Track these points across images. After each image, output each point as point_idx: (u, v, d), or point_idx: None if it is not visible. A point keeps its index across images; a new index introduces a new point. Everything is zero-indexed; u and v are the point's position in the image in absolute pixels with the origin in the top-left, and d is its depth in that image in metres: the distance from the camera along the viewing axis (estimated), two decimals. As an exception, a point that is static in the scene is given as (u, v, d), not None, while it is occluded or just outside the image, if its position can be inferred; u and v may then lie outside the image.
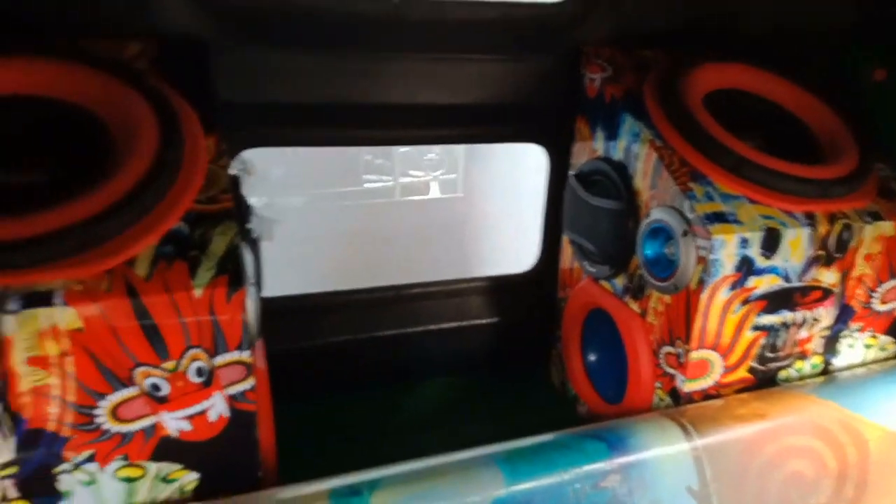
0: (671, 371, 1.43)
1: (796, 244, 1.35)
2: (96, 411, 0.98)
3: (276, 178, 3.86)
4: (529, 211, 2.00)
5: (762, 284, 1.36)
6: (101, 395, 0.97)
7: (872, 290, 1.50)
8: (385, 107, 1.64)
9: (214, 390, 1.03)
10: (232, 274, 0.99)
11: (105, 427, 0.99)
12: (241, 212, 1.24)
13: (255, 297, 1.10)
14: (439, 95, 1.67)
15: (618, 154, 1.55)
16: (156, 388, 1.00)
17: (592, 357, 1.78)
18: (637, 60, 1.65)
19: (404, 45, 1.56)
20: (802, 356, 1.50)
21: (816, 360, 1.52)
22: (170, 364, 0.99)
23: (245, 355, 1.03)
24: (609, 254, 1.58)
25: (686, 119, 1.44)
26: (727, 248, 1.29)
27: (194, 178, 1.09)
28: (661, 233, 1.42)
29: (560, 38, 1.65)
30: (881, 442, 1.32)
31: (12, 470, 0.97)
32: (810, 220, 1.36)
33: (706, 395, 1.42)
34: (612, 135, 1.57)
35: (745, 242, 1.30)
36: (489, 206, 3.29)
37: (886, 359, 1.61)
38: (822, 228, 1.37)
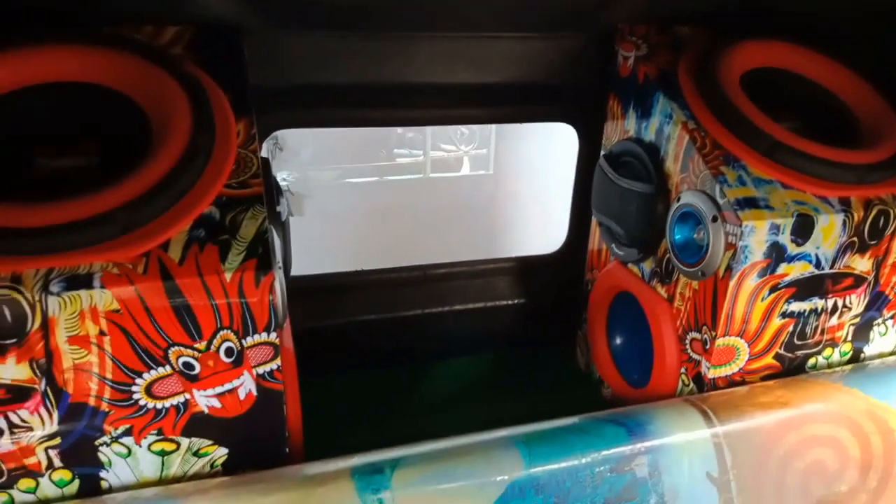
0: (696, 357, 1.43)
1: (829, 231, 1.33)
2: (133, 388, 1.03)
3: (308, 152, 3.90)
4: (559, 191, 2.00)
5: (792, 271, 1.34)
6: (137, 373, 1.02)
7: (908, 278, 1.47)
8: (415, 87, 1.64)
9: (243, 370, 1.07)
10: (261, 258, 1.02)
11: (141, 403, 1.04)
12: (271, 194, 1.26)
13: (282, 279, 1.13)
14: (469, 75, 1.67)
15: (649, 135, 1.53)
16: (188, 366, 1.04)
17: (618, 340, 1.78)
18: (673, 38, 1.61)
19: (434, 25, 1.55)
20: (832, 343, 1.48)
21: (846, 348, 1.50)
22: (201, 344, 1.03)
23: (273, 336, 1.06)
24: (637, 237, 1.57)
25: (720, 100, 1.41)
26: (757, 235, 1.28)
27: (225, 162, 1.12)
28: (690, 217, 1.40)
29: (593, 15, 1.62)
30: (909, 432, 1.31)
31: (56, 441, 1.03)
32: (845, 206, 1.33)
33: (731, 382, 1.42)
34: (644, 115, 1.54)
35: (775, 229, 1.28)
36: (519, 184, 3.27)
37: (920, 347, 1.58)
38: (857, 215, 1.34)
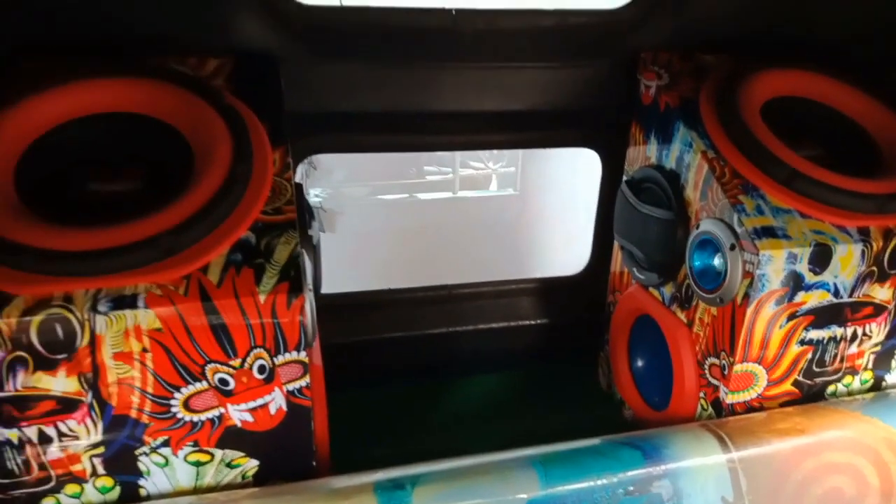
0: (715, 382, 1.45)
1: (847, 260, 1.34)
2: (171, 402, 1.09)
3: (341, 170, 4.00)
4: (583, 213, 2.03)
5: (810, 299, 1.36)
6: (176, 388, 1.09)
7: (930, 308, 1.47)
8: (442, 114, 1.70)
9: (275, 386, 1.13)
10: (293, 281, 1.08)
11: (179, 416, 1.11)
12: (303, 218, 1.33)
13: (312, 300, 1.19)
14: (495, 102, 1.72)
15: (670, 163, 1.56)
16: (224, 382, 1.10)
17: (639, 363, 1.80)
18: (696, 65, 1.64)
19: (461, 55, 1.61)
20: (852, 371, 1.48)
21: (867, 376, 1.51)
22: (236, 362, 1.09)
23: (302, 355, 1.12)
24: (657, 262, 1.60)
25: (740, 129, 1.44)
26: (774, 264, 1.30)
27: (262, 190, 1.19)
28: (709, 245, 1.43)
29: (616, 43, 1.66)
30: (930, 462, 1.31)
31: (100, 450, 1.10)
32: (864, 235, 1.35)
33: (749, 408, 1.44)
34: (664, 143, 1.58)
35: (793, 258, 1.31)
36: (544, 205, 3.32)
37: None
38: (877, 244, 1.35)
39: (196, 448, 1.14)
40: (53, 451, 1.08)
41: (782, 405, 1.45)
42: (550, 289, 2.02)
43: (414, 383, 1.92)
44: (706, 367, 1.48)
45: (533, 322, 2.00)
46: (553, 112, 1.76)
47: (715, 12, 1.63)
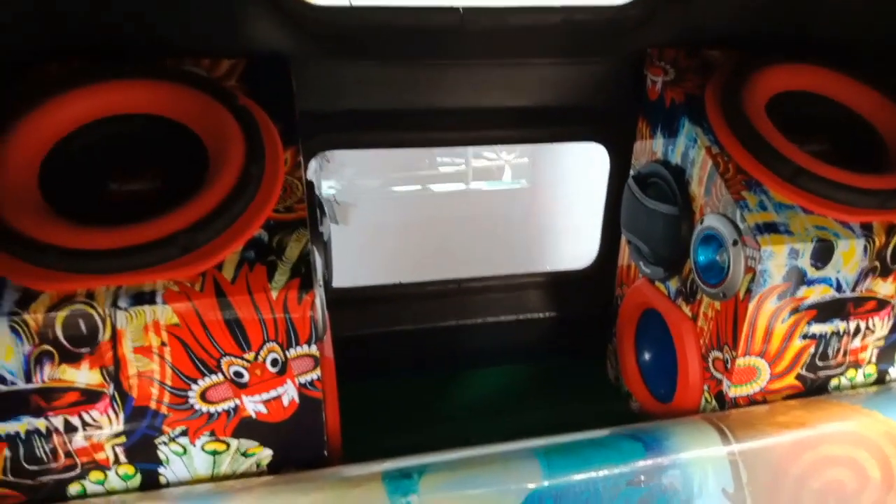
0: (718, 375, 1.48)
1: (850, 255, 1.36)
2: (189, 393, 1.14)
3: (354, 162, 4.03)
4: (592, 206, 2.05)
5: (813, 294, 1.38)
6: (193, 380, 1.13)
7: (934, 302, 1.48)
8: (451, 111, 1.73)
9: (287, 378, 1.17)
10: (303, 277, 1.12)
11: (196, 407, 1.16)
12: (314, 216, 1.37)
13: (323, 295, 1.23)
14: (503, 98, 1.75)
15: (675, 158, 1.58)
16: (238, 375, 1.15)
17: (645, 356, 1.83)
18: (702, 61, 1.65)
19: (470, 53, 1.63)
20: (855, 365, 1.50)
21: (870, 370, 1.52)
22: (250, 355, 1.14)
23: (313, 349, 1.16)
24: (663, 256, 1.63)
25: (744, 125, 1.45)
26: (776, 259, 1.32)
27: (274, 189, 1.23)
28: (713, 240, 1.45)
29: (623, 40, 1.68)
30: (931, 455, 1.33)
31: (121, 439, 1.16)
32: (867, 231, 1.36)
33: (752, 401, 1.46)
34: (670, 138, 1.59)
35: (795, 253, 1.32)
36: (554, 198, 3.34)
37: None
38: (879, 240, 1.36)
39: (213, 438, 1.20)
40: (78, 440, 1.13)
41: (785, 399, 1.47)
42: (559, 282, 2.05)
43: (424, 375, 1.97)
44: (710, 360, 1.51)
45: (542, 315, 2.03)
46: (561, 107, 1.78)
47: (721, 8, 1.63)
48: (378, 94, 1.64)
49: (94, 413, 1.12)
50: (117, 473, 1.18)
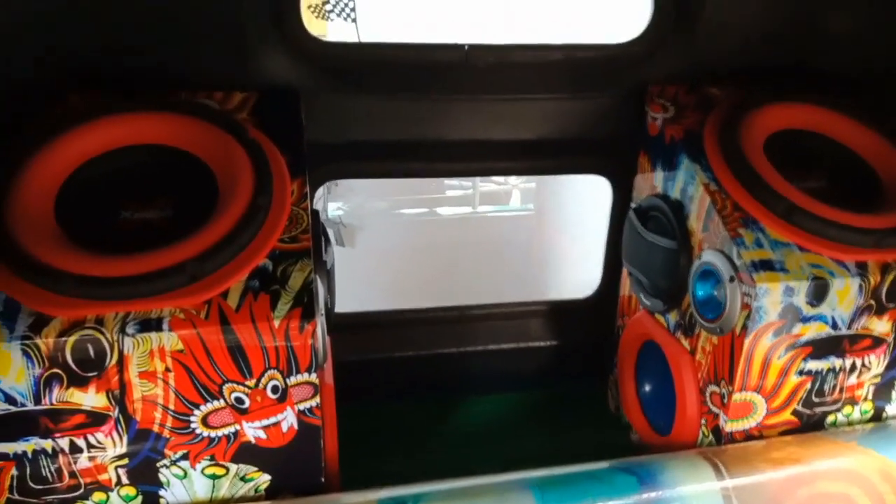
0: (715, 410, 1.49)
1: (844, 294, 1.37)
2: (191, 418, 1.17)
3: (362, 184, 4.09)
4: (595, 236, 2.08)
5: (808, 331, 1.39)
6: (195, 405, 1.16)
7: (930, 341, 1.49)
8: (456, 143, 1.77)
9: (287, 405, 1.20)
10: (305, 307, 1.16)
11: (197, 431, 1.19)
12: (318, 245, 1.40)
13: (324, 324, 1.26)
14: (507, 132, 1.79)
15: (675, 193, 1.61)
16: (239, 401, 1.18)
17: (646, 387, 1.84)
18: (702, 98, 1.69)
19: (474, 88, 1.68)
20: (852, 402, 1.51)
21: (867, 407, 1.53)
22: (251, 382, 1.17)
23: (313, 377, 1.19)
24: (662, 290, 1.65)
25: (741, 163, 1.48)
26: (771, 296, 1.34)
27: (280, 219, 1.27)
28: (710, 275, 1.47)
29: (624, 76, 1.72)
30: (925, 494, 1.33)
31: (124, 461, 1.18)
32: (861, 269, 1.38)
33: (749, 436, 1.47)
34: (670, 174, 1.62)
35: (790, 291, 1.34)
36: (561, 225, 3.37)
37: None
38: (874, 279, 1.38)
39: (213, 462, 1.22)
40: (83, 460, 1.16)
41: (782, 434, 1.48)
42: (561, 311, 2.07)
43: (425, 401, 1.98)
44: (707, 394, 1.52)
45: (543, 344, 2.05)
46: (564, 141, 1.82)
47: (722, 45, 1.67)
48: (385, 127, 1.69)
49: (99, 435, 1.15)
50: (119, 495, 1.21)
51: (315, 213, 1.46)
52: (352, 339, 1.87)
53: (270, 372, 1.17)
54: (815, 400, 1.47)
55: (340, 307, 1.78)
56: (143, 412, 1.15)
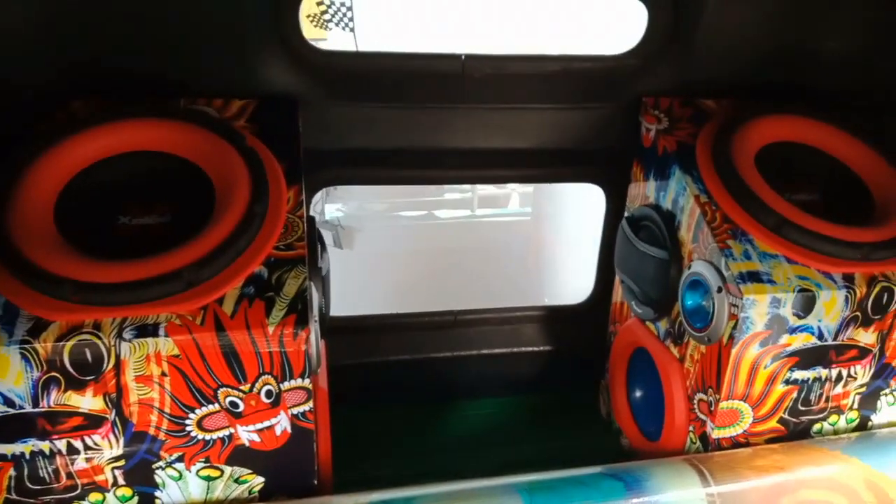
0: (703, 417, 1.51)
1: (831, 305, 1.40)
2: (186, 421, 1.20)
3: (362, 188, 4.11)
4: (592, 241, 2.10)
5: (795, 342, 1.42)
6: (191, 409, 1.19)
7: (916, 352, 1.51)
8: (453, 151, 1.80)
9: (280, 410, 1.22)
10: (300, 314, 1.18)
11: (192, 434, 1.21)
12: (314, 251, 1.43)
13: (318, 330, 1.28)
14: (502, 140, 1.81)
15: (666, 203, 1.63)
16: (234, 405, 1.20)
17: (636, 394, 1.87)
18: (696, 110, 1.71)
19: (471, 97, 1.70)
20: (838, 411, 1.53)
21: (853, 416, 1.55)
22: (246, 386, 1.19)
23: (306, 382, 1.22)
24: (653, 298, 1.67)
25: (732, 175, 1.50)
26: (758, 307, 1.36)
27: (276, 227, 1.29)
28: (699, 286, 1.50)
29: (619, 88, 1.74)
30: (909, 503, 1.35)
31: (121, 463, 1.21)
32: (848, 282, 1.40)
33: (735, 443, 1.49)
34: (662, 184, 1.65)
35: (777, 302, 1.37)
36: (558, 229, 3.39)
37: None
38: (860, 291, 1.40)
39: (207, 464, 1.24)
40: (80, 462, 1.19)
41: (768, 441, 1.50)
42: (554, 317, 2.09)
43: (419, 405, 2.01)
44: (695, 402, 1.54)
45: (536, 349, 2.07)
46: (559, 150, 1.84)
47: (717, 59, 1.69)
48: (382, 134, 1.71)
49: (96, 437, 1.17)
50: (115, 495, 1.23)
51: (311, 220, 1.48)
52: (347, 342, 1.90)
53: (264, 377, 1.19)
54: (802, 409, 1.50)
55: (338, 310, 1.80)
56: (139, 415, 1.17)
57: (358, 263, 3.34)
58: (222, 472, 1.26)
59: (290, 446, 1.26)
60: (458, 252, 3.66)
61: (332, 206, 4.17)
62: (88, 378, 1.13)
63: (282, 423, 1.24)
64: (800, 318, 1.39)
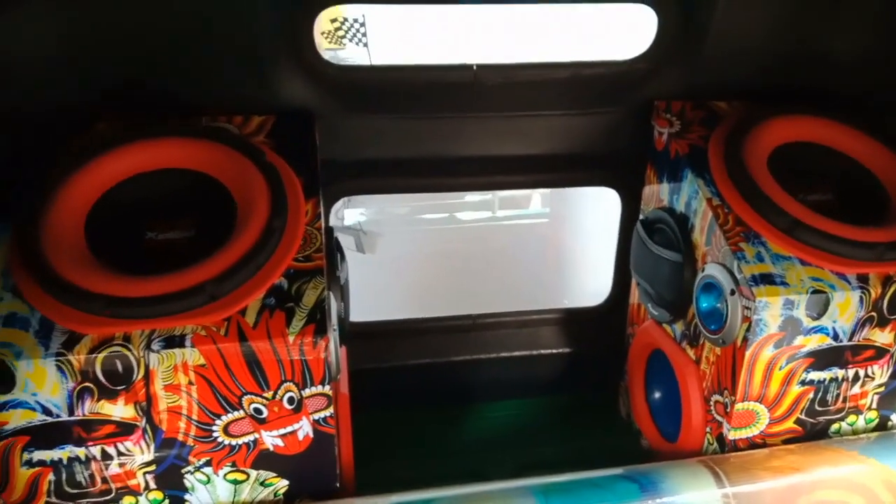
0: (719, 418, 1.52)
1: (845, 306, 1.40)
2: (213, 427, 1.25)
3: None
4: (608, 243, 2.12)
5: (809, 343, 1.42)
6: (217, 416, 1.24)
7: (934, 351, 1.51)
8: (467, 159, 1.83)
9: (302, 415, 1.27)
10: (318, 323, 1.22)
11: (219, 440, 1.26)
12: (332, 260, 1.47)
13: (337, 339, 1.32)
14: (515, 147, 1.84)
15: (680, 206, 1.65)
16: (258, 411, 1.25)
17: (655, 395, 1.88)
18: (708, 113, 1.72)
19: (483, 106, 1.73)
20: (856, 411, 1.53)
21: (872, 416, 1.55)
22: (269, 394, 1.24)
23: (327, 388, 1.26)
24: (668, 301, 1.68)
25: (744, 178, 1.51)
26: (771, 309, 1.37)
27: (295, 239, 1.33)
28: (713, 288, 1.51)
29: (630, 92, 1.75)
30: (928, 503, 1.35)
31: (152, 468, 1.27)
32: (862, 282, 1.40)
33: (752, 444, 1.50)
34: (675, 188, 1.66)
35: (790, 304, 1.37)
36: (577, 231, 3.41)
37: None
38: (875, 291, 1.40)
39: (234, 468, 1.30)
40: (113, 467, 1.25)
41: (785, 442, 1.51)
42: (572, 319, 2.11)
43: (439, 408, 2.04)
44: (712, 403, 1.55)
45: (555, 351, 2.10)
46: (572, 155, 1.86)
47: (726, 62, 1.70)
48: (397, 145, 1.75)
49: (128, 444, 1.23)
50: (147, 499, 1.29)
51: (329, 230, 1.53)
52: (368, 347, 1.94)
53: (286, 384, 1.24)
54: (819, 409, 1.50)
55: (361, 314, 1.85)
56: (168, 422, 1.23)
57: (380, 267, 3.39)
58: (248, 475, 1.31)
59: (312, 450, 1.30)
60: (478, 254, 3.69)
61: (355, 210, 4.22)
62: (120, 388, 1.18)
63: (304, 429, 1.28)
64: (814, 319, 1.40)
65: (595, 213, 3.09)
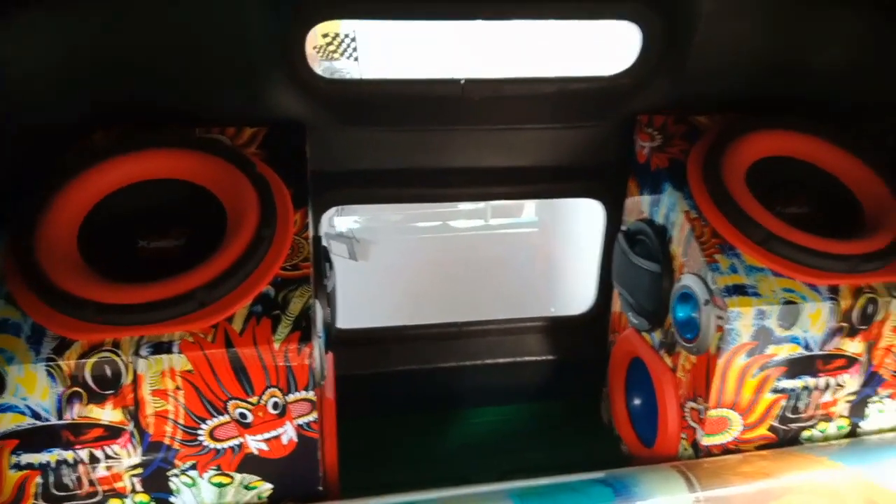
0: (693, 425, 1.57)
1: (816, 317, 1.44)
2: (199, 431, 1.28)
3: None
4: (594, 253, 2.16)
5: (781, 352, 1.47)
6: (203, 420, 1.27)
7: (904, 361, 1.55)
8: (455, 170, 1.87)
9: (286, 420, 1.30)
10: (304, 331, 1.26)
11: (205, 444, 1.29)
12: (320, 269, 1.51)
13: (322, 346, 1.36)
14: (502, 159, 1.88)
15: (659, 218, 1.69)
16: (243, 416, 1.28)
17: (634, 402, 1.92)
18: (689, 127, 1.76)
19: (470, 119, 1.77)
20: (827, 418, 1.58)
21: (843, 423, 1.59)
22: (254, 399, 1.27)
23: (310, 394, 1.29)
24: (647, 310, 1.73)
25: (721, 191, 1.55)
26: (743, 319, 1.41)
27: (283, 248, 1.37)
28: (689, 298, 1.55)
29: (615, 107, 1.80)
30: (895, 508, 1.39)
31: (138, 471, 1.30)
32: (833, 294, 1.45)
33: (726, 450, 1.54)
34: (655, 200, 1.70)
35: (762, 314, 1.42)
36: (561, 242, 3.45)
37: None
38: (845, 302, 1.45)
39: (219, 471, 1.33)
40: (100, 470, 1.28)
41: (759, 448, 1.55)
42: (556, 327, 2.16)
43: (425, 414, 2.08)
44: (687, 410, 1.60)
45: (539, 358, 2.14)
46: (558, 167, 1.91)
47: (710, 75, 1.74)
48: (386, 156, 1.80)
49: (116, 447, 1.26)
50: (133, 501, 1.32)
51: (317, 240, 1.56)
52: (355, 353, 1.98)
53: (271, 390, 1.27)
54: (791, 416, 1.55)
55: (352, 321, 1.88)
56: (155, 426, 1.26)
57: (372, 275, 3.42)
58: (233, 478, 1.34)
59: (296, 454, 1.33)
60: (470, 262, 3.73)
61: (348, 218, 4.26)
62: (108, 392, 1.22)
63: (288, 433, 1.32)
64: (785, 329, 1.44)
65: (582, 223, 3.13)
